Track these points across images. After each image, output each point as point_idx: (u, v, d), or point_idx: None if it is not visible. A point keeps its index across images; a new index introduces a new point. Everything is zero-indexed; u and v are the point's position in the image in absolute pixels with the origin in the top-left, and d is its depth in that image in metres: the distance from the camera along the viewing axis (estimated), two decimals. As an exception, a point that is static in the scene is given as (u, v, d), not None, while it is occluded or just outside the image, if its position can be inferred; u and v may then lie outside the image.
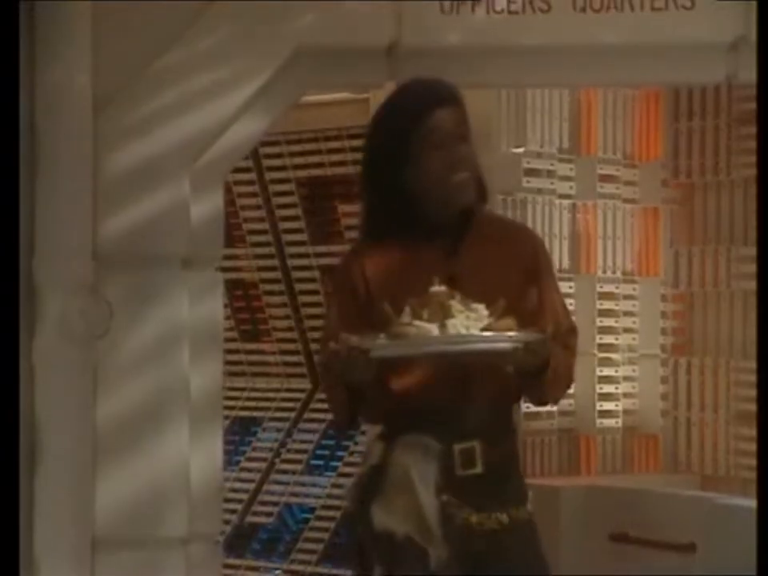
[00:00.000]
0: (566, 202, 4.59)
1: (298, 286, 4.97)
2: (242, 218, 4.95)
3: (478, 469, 2.35)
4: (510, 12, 3.32)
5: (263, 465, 4.96)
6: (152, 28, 3.21)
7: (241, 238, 4.95)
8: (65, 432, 3.07)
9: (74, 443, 3.07)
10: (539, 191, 4.52)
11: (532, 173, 4.51)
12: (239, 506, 4.81)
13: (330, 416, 5.00)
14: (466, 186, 2.33)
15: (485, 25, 3.33)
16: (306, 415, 4.99)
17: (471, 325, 2.17)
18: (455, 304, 2.18)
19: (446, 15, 3.33)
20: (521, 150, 4.51)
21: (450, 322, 2.15)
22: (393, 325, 2.19)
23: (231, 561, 4.59)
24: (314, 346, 4.85)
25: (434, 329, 2.15)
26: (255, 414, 5.03)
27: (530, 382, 2.38)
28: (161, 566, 3.10)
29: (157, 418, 3.15)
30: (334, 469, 4.90)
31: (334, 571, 4.61)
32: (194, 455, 3.21)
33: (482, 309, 2.21)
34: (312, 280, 4.93)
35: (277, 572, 4.28)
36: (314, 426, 4.96)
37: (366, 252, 2.39)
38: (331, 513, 4.77)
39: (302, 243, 4.94)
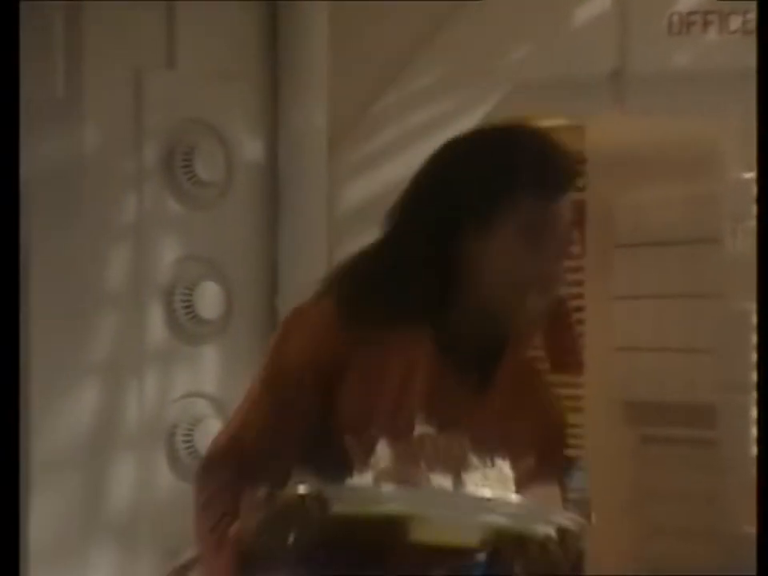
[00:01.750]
0: (802, 230, 4.52)
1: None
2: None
3: None
4: (745, 32, 3.28)
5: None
6: (376, 69, 3.38)
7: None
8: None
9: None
10: (771, 218, 4.47)
11: (764, 199, 4.47)
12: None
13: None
14: (536, 315, 1.61)
15: (717, 46, 3.30)
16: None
17: (493, 487, 1.47)
18: (470, 455, 1.50)
19: (675, 37, 3.32)
20: (752, 175, 4.48)
21: (468, 477, 1.47)
22: (378, 466, 1.45)
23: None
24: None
25: (445, 482, 1.45)
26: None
27: None
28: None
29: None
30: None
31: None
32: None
33: (505, 467, 1.51)
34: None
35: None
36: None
37: (337, 321, 1.61)
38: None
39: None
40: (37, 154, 2.98)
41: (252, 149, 3.20)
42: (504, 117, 3.41)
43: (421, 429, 1.50)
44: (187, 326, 3.06)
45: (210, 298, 3.07)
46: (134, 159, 3.02)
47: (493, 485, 1.47)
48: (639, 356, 4.28)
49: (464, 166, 1.65)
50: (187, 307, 3.05)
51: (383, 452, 1.47)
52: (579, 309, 4.64)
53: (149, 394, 2.99)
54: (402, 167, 3.39)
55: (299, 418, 1.59)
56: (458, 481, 1.45)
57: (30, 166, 2.97)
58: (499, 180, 1.61)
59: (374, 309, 1.60)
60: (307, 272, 3.19)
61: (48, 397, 2.97)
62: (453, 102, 3.41)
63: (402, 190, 1.70)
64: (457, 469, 1.45)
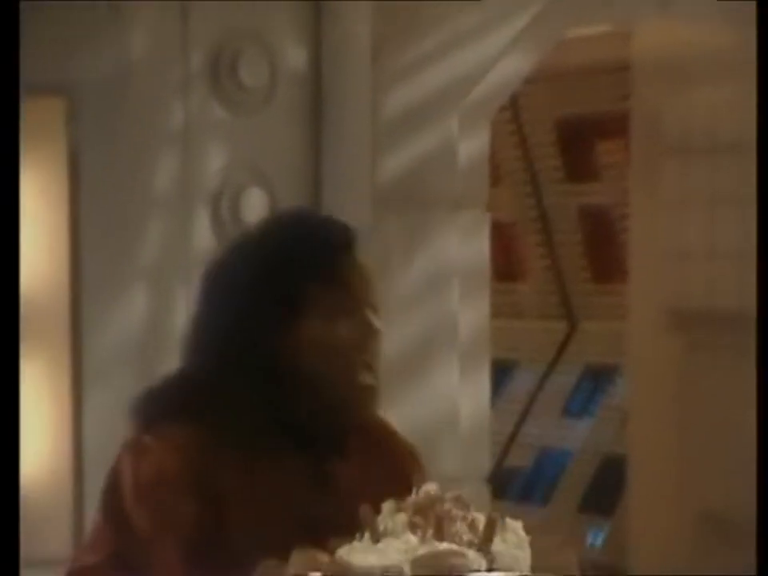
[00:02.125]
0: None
1: (555, 225, 5.11)
2: (498, 158, 5.11)
3: None
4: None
5: (520, 407, 5.15)
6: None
7: (498, 178, 5.13)
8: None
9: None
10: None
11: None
12: (497, 450, 5.02)
13: (589, 357, 5.17)
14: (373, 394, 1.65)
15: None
16: (564, 357, 5.16)
17: (517, 554, 1.39)
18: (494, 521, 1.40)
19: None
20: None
21: (496, 549, 1.38)
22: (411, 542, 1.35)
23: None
24: (571, 287, 4.99)
25: (475, 556, 1.36)
26: (512, 355, 5.21)
27: None
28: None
29: (428, 355, 3.36)
30: (593, 413, 5.05)
31: (594, 519, 4.75)
32: (462, 394, 3.41)
33: (519, 528, 1.43)
34: (569, 219, 5.07)
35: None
36: (572, 368, 5.12)
37: (182, 441, 1.61)
38: (590, 458, 4.92)
39: (558, 182, 5.08)
40: (84, 62, 3.04)
41: (296, 55, 3.24)
42: (552, 21, 3.44)
43: (427, 487, 1.41)
44: (233, 233, 3.13)
45: (255, 205, 3.14)
46: (180, 66, 3.07)
47: (515, 551, 1.39)
48: (686, 263, 4.31)
49: (241, 270, 1.63)
50: (233, 213, 3.12)
51: (390, 512, 1.40)
52: (624, 216, 4.69)
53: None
54: (444, 74, 3.43)
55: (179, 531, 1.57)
56: (488, 554, 1.36)
57: (77, 73, 3.03)
58: (277, 272, 1.61)
59: (223, 429, 1.60)
60: (351, 177, 3.26)
61: (98, 302, 3.07)
62: (496, 9, 3.42)
63: (195, 314, 1.66)
64: (485, 540, 1.37)
